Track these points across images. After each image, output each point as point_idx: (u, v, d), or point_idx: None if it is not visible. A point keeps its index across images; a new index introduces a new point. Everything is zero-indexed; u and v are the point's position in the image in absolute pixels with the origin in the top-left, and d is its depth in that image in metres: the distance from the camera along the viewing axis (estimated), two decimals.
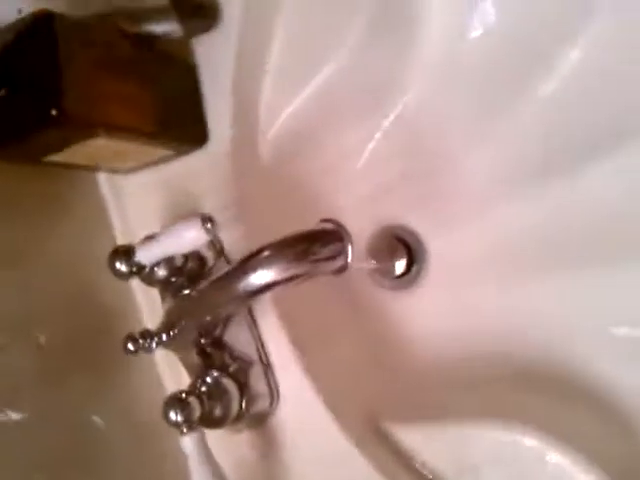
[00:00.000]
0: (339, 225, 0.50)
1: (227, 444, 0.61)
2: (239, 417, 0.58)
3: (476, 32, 0.64)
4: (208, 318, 0.54)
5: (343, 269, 0.51)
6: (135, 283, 0.65)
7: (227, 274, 0.50)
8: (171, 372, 0.65)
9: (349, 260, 0.50)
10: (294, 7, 0.63)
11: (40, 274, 0.62)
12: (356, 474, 0.56)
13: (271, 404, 0.60)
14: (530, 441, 0.54)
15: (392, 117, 0.71)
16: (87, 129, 0.52)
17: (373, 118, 0.71)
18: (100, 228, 0.68)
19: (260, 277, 0.48)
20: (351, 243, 0.50)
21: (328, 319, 0.68)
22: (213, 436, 0.59)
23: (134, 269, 0.56)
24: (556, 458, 0.54)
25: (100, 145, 0.54)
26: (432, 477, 0.57)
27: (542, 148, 0.63)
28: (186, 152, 0.63)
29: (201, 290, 0.53)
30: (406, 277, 0.72)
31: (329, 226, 0.50)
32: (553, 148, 0.62)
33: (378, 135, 0.71)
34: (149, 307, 0.66)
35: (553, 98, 0.62)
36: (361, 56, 0.66)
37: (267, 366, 0.60)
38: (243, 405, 0.58)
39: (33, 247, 0.62)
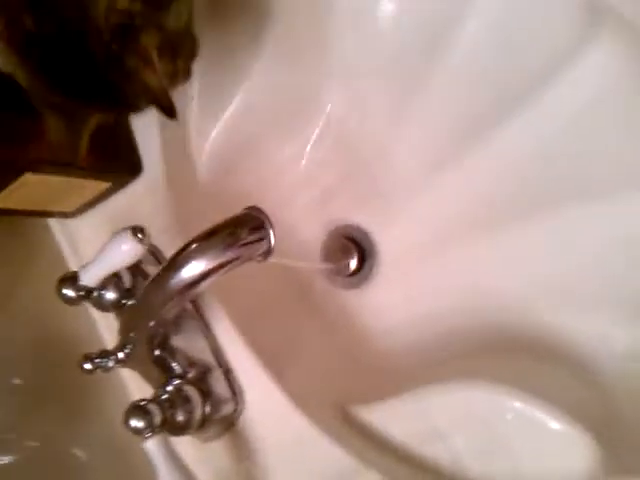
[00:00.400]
0: (260, 211, 0.53)
1: (202, 455, 0.62)
2: (205, 422, 0.59)
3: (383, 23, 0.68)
4: (152, 324, 0.56)
5: (269, 252, 0.53)
6: (98, 315, 0.67)
7: (160, 274, 0.52)
8: (142, 394, 0.66)
9: (272, 242, 0.52)
10: (209, 32, 0.67)
11: (7, 323, 0.65)
12: (328, 459, 0.57)
13: (236, 406, 0.60)
14: (494, 397, 0.55)
15: (320, 125, 0.74)
16: (10, 168, 0.55)
17: (303, 129, 0.74)
18: (60, 273, 0.70)
19: (191, 269, 0.50)
20: (272, 225, 0.52)
21: (288, 321, 0.69)
22: (189, 451, 0.60)
23: (82, 293, 0.58)
24: (521, 409, 0.54)
25: (33, 182, 0.58)
26: (402, 450, 0.57)
27: (455, 121, 0.65)
28: (124, 184, 0.66)
29: (139, 297, 0.55)
30: (361, 274, 0.73)
31: (251, 212, 0.53)
32: (465, 119, 0.65)
33: (310, 145, 0.75)
34: (113, 335, 0.67)
35: (458, 72, 0.65)
36: (275, 72, 0.69)
37: (227, 369, 0.61)
38: (206, 410, 0.59)
39: None
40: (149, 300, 0.54)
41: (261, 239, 0.52)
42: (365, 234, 0.73)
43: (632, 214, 0.57)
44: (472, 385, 0.56)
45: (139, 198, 0.66)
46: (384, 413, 0.59)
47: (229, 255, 0.51)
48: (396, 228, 0.71)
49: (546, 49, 0.57)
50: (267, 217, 0.52)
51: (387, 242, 0.72)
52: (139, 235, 0.55)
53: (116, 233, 0.56)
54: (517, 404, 0.54)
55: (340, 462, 0.56)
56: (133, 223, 0.65)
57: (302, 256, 0.75)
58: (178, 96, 0.67)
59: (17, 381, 0.65)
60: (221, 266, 0.50)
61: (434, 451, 0.56)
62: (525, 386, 0.55)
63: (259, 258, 0.53)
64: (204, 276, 0.50)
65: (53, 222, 0.71)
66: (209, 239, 0.51)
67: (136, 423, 0.52)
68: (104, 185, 0.65)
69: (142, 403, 0.54)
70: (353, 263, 0.73)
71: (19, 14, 0.45)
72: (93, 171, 0.63)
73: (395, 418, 0.58)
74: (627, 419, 0.53)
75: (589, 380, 0.57)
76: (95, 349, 0.67)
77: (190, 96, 0.69)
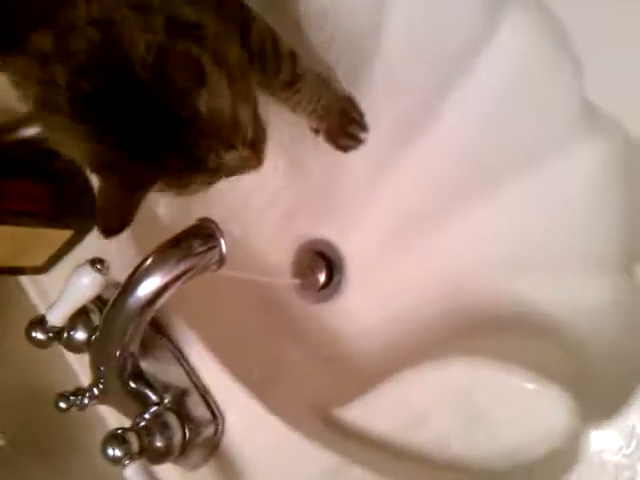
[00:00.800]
0: (210, 221, 0.54)
1: None
2: (186, 448, 0.58)
3: None
4: (118, 353, 0.56)
5: (222, 260, 0.54)
6: (74, 358, 0.68)
7: (117, 297, 0.53)
8: None
9: (223, 249, 0.53)
10: None
11: None
12: (311, 461, 0.56)
13: (217, 427, 0.60)
14: (468, 371, 0.55)
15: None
16: None
17: None
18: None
19: (147, 287, 0.51)
20: (222, 234, 0.53)
21: (262, 339, 0.70)
22: None
23: (51, 335, 0.59)
24: (495, 377, 0.54)
25: None
26: (386, 443, 0.57)
27: (390, 120, 0.67)
28: (87, 230, 0.68)
29: (101, 326, 0.56)
30: (331, 286, 0.74)
31: (201, 223, 0.54)
32: (404, 110, 0.67)
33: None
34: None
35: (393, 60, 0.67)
36: None
37: (203, 391, 0.61)
38: (186, 434, 0.58)
39: None
40: (110, 327, 0.54)
41: (213, 247, 0.53)
42: (330, 246, 0.74)
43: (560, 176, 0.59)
44: (445, 363, 0.56)
45: (103, 242, 0.68)
46: (363, 409, 0.59)
47: (182, 267, 0.52)
48: (357, 233, 0.72)
49: (461, 35, 0.60)
50: (217, 226, 0.53)
51: (351, 249, 0.73)
52: (97, 266, 0.57)
53: (76, 267, 0.58)
54: (491, 372, 0.54)
55: (323, 462, 0.55)
56: None
57: (273, 275, 0.76)
58: None
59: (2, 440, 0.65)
60: (176, 278, 0.52)
61: (418, 437, 0.56)
62: (499, 356, 0.55)
63: (214, 267, 0.54)
64: (161, 291, 0.51)
65: (26, 280, 0.72)
66: (162, 255, 0.52)
67: (113, 452, 0.52)
68: (67, 233, 0.67)
69: (119, 432, 0.54)
70: (322, 277, 0.74)
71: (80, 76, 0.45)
72: (54, 220, 0.65)
73: (375, 412, 0.58)
74: (600, 371, 0.53)
75: (563, 343, 0.57)
76: None
77: None
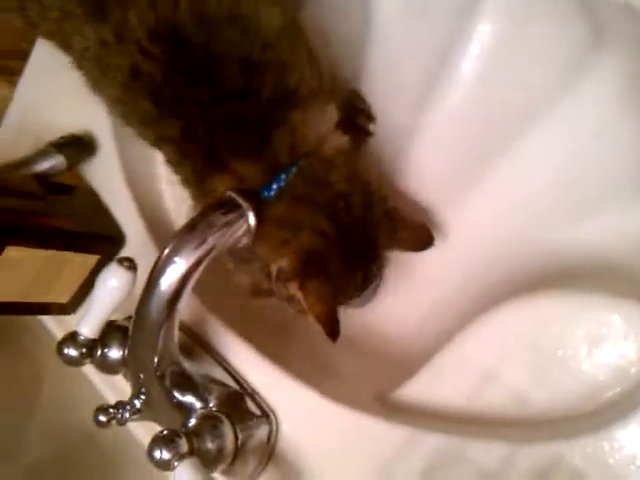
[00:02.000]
0: (234, 190, 0.52)
1: None
2: (239, 451, 0.53)
3: None
4: (156, 358, 0.52)
5: (251, 230, 0.51)
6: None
7: (142, 297, 0.50)
8: None
9: (251, 218, 0.51)
10: None
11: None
12: (382, 439, 0.51)
13: (270, 427, 0.55)
14: (533, 311, 0.52)
15: None
16: None
17: None
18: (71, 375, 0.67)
19: (170, 276, 0.48)
20: (250, 204, 0.51)
21: (302, 343, 0.65)
22: None
23: (84, 351, 0.56)
24: (565, 313, 0.50)
25: (17, 259, 0.58)
26: (458, 411, 0.51)
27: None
28: (112, 255, 0.66)
29: (132, 334, 0.52)
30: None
31: (225, 195, 0.52)
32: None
33: None
34: None
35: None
36: None
37: (251, 391, 0.56)
38: (238, 435, 0.53)
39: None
40: (143, 329, 0.51)
41: (236, 220, 0.51)
42: None
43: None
44: (503, 312, 0.52)
45: None
46: (426, 382, 0.54)
47: (206, 246, 0.49)
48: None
49: None
50: (241, 195, 0.51)
51: None
52: (126, 264, 0.54)
53: (103, 271, 0.55)
54: (556, 310, 0.50)
55: (394, 440, 0.50)
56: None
57: None
58: (145, 165, 0.71)
59: None
60: (201, 260, 0.49)
61: (490, 397, 0.51)
62: (564, 296, 0.51)
63: (244, 240, 0.52)
64: (186, 277, 0.49)
65: (52, 324, 0.69)
66: (181, 239, 0.49)
67: (160, 454, 0.47)
68: (93, 259, 0.64)
69: (165, 432, 0.49)
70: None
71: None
72: (80, 242, 0.63)
73: (439, 381, 0.54)
74: None
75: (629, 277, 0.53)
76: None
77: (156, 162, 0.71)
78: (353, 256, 0.55)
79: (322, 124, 0.57)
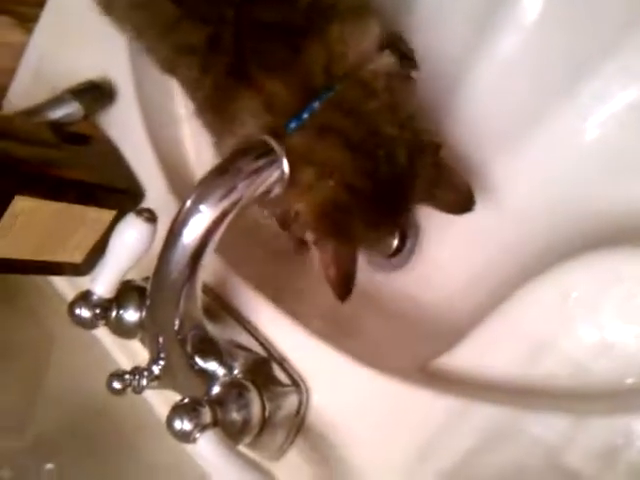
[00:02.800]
0: (267, 136, 0.46)
1: (283, 474, 0.50)
2: (267, 422, 0.48)
3: None
4: (177, 321, 0.47)
5: (284, 177, 0.46)
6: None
7: (163, 250, 0.45)
8: None
9: (286, 168, 0.46)
10: None
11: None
12: (429, 410, 0.46)
13: (300, 397, 0.50)
14: (592, 271, 0.46)
15: None
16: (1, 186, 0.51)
17: None
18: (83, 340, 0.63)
19: (194, 228, 0.43)
20: (281, 148, 0.46)
21: (334, 309, 0.60)
22: None
23: (98, 311, 0.51)
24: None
25: (27, 212, 0.53)
26: (509, 382, 0.46)
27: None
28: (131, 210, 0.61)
29: (151, 293, 0.47)
30: (405, 249, 0.65)
31: (254, 140, 0.46)
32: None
33: None
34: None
35: None
36: None
37: (280, 358, 0.52)
38: (266, 405, 0.48)
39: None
40: (164, 286, 0.46)
41: (267, 167, 0.45)
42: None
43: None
44: (563, 271, 0.46)
45: None
46: (472, 350, 0.49)
47: (233, 196, 0.44)
48: None
49: None
50: (275, 141, 0.46)
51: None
52: (145, 215, 0.49)
53: (119, 223, 0.50)
54: (623, 268, 0.44)
55: (441, 409, 0.45)
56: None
57: None
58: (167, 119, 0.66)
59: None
60: (226, 212, 0.43)
61: (546, 366, 0.45)
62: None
63: (277, 189, 0.46)
64: (211, 231, 0.43)
65: (64, 286, 0.65)
66: (206, 185, 0.44)
67: (182, 424, 0.43)
68: (109, 215, 0.60)
69: (186, 401, 0.44)
70: (395, 242, 0.65)
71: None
72: (93, 193, 0.58)
73: (488, 349, 0.48)
74: None
75: None
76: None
77: (178, 119, 0.66)
78: (382, 211, 0.49)
79: (363, 40, 0.49)
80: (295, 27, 0.47)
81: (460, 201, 0.52)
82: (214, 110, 0.51)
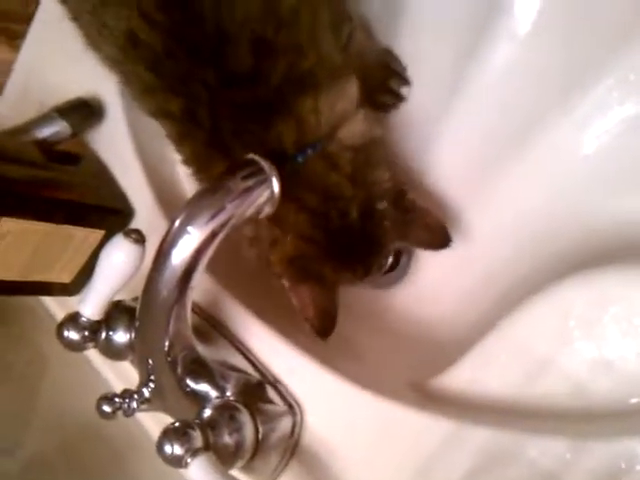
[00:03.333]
0: (256, 156, 0.45)
1: None
2: (260, 445, 0.47)
3: None
4: (167, 342, 0.46)
5: (274, 197, 0.45)
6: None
7: (151, 271, 0.44)
8: None
9: (275, 188, 0.45)
10: None
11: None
12: (423, 433, 0.45)
13: (294, 418, 0.49)
14: (588, 290, 0.45)
15: None
16: None
17: None
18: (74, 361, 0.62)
19: (183, 249, 0.43)
20: (271, 167, 0.45)
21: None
22: None
23: (86, 333, 0.50)
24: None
25: (14, 233, 0.52)
26: (504, 399, 0.45)
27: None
28: (120, 230, 0.60)
29: (140, 314, 0.47)
30: (400, 266, 0.64)
31: (243, 160, 0.46)
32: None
33: None
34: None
35: None
36: None
37: (273, 380, 0.51)
38: (259, 428, 0.48)
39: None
40: (152, 310, 0.45)
41: (257, 185, 0.44)
42: None
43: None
44: (561, 290, 0.45)
45: None
46: (469, 370, 0.48)
47: (223, 216, 0.43)
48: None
49: None
50: (265, 160, 0.45)
51: None
52: (133, 236, 0.48)
53: (107, 244, 0.49)
54: (621, 288, 0.44)
55: (437, 431, 0.44)
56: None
57: None
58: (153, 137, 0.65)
59: None
60: (215, 233, 0.43)
61: (545, 386, 0.45)
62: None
63: (267, 209, 0.46)
64: (200, 251, 0.43)
65: (54, 306, 0.64)
66: (194, 205, 0.43)
67: (172, 449, 0.42)
68: (98, 234, 0.59)
69: (177, 425, 0.43)
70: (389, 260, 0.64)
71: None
72: (84, 214, 0.57)
73: (485, 369, 0.47)
74: None
75: None
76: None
77: None
78: (345, 255, 0.52)
79: (338, 106, 0.51)
80: (265, 105, 0.49)
81: (435, 239, 0.54)
82: (195, 168, 0.53)
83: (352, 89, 0.53)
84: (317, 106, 0.50)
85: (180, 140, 0.53)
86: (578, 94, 0.54)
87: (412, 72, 0.62)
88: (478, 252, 0.59)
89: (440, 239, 0.54)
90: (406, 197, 0.53)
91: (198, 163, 0.53)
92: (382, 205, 0.52)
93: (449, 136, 0.61)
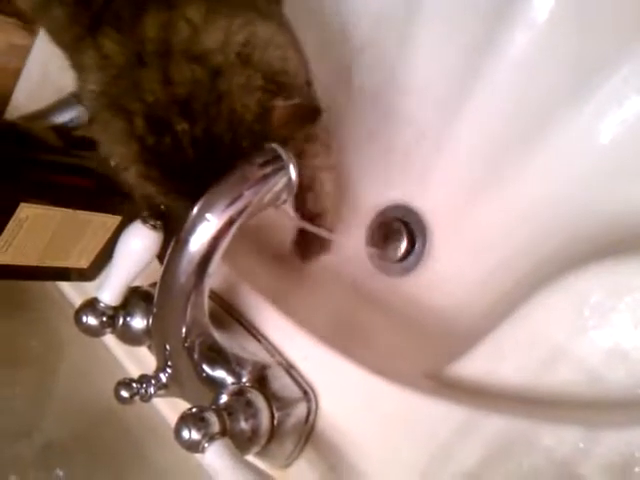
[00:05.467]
0: (275, 144, 0.45)
1: None
2: (276, 430, 0.48)
3: None
4: (184, 329, 0.47)
5: (291, 185, 0.45)
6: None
7: (169, 258, 0.45)
8: None
9: (292, 172, 0.45)
10: None
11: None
12: (437, 420, 0.45)
13: (309, 404, 0.50)
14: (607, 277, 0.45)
15: None
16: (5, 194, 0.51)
17: None
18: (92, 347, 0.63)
19: (201, 236, 0.43)
20: (289, 156, 0.45)
21: (346, 317, 0.60)
22: None
23: (104, 319, 0.51)
24: None
25: (32, 219, 0.53)
26: (522, 390, 0.45)
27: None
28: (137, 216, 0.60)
29: (157, 301, 0.47)
30: (414, 253, 0.64)
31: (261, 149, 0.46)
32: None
33: None
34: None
35: None
36: None
37: (288, 367, 0.51)
38: (275, 413, 0.48)
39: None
40: (169, 295, 0.46)
41: (274, 172, 0.45)
42: (407, 210, 0.65)
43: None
44: (578, 277, 0.45)
45: None
46: (484, 358, 0.48)
47: (240, 204, 0.43)
48: (434, 189, 0.63)
49: None
50: (283, 149, 0.45)
51: (431, 207, 0.64)
52: (150, 222, 0.49)
53: (124, 230, 0.50)
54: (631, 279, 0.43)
55: (452, 418, 0.44)
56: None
57: (351, 261, 0.67)
58: None
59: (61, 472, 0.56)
60: (232, 220, 0.43)
61: (559, 375, 0.45)
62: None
63: (284, 196, 0.46)
64: (218, 238, 0.43)
65: (72, 292, 0.65)
66: (214, 194, 0.43)
67: (189, 434, 0.42)
68: (115, 220, 0.59)
69: (194, 410, 0.44)
70: (403, 245, 0.64)
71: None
72: (102, 200, 0.58)
73: (499, 358, 0.47)
74: None
75: None
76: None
77: None
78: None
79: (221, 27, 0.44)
80: None
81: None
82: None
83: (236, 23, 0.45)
84: (199, 18, 0.44)
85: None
86: (594, 83, 0.53)
87: (428, 62, 0.62)
88: (493, 239, 0.59)
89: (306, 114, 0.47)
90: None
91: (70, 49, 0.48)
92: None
93: (465, 124, 0.60)
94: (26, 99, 0.72)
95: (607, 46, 0.53)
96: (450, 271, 0.62)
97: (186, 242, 0.43)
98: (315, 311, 0.57)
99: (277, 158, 0.45)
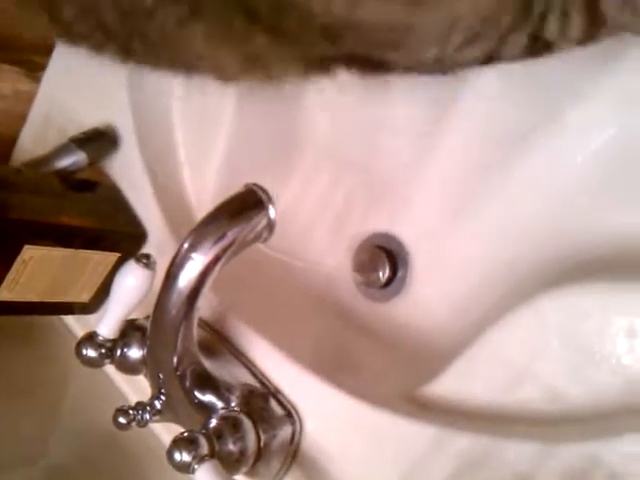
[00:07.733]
0: (255, 185, 0.50)
1: None
2: (262, 452, 0.51)
3: None
4: (175, 358, 0.51)
5: (271, 225, 0.49)
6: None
7: (160, 294, 0.48)
8: None
9: (271, 213, 0.49)
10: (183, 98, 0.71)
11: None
12: (410, 439, 0.49)
13: (294, 427, 0.53)
14: (567, 301, 0.48)
15: (310, 154, 0.73)
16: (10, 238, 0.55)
17: (293, 165, 0.74)
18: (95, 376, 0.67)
19: (188, 272, 0.47)
20: (269, 197, 0.49)
21: (329, 340, 0.63)
22: None
23: (103, 351, 0.55)
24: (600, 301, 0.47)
25: (36, 260, 0.57)
26: (490, 409, 0.49)
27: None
28: (134, 252, 0.65)
29: (150, 333, 0.51)
30: (397, 279, 0.68)
31: (243, 190, 0.50)
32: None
33: (306, 173, 0.74)
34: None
35: None
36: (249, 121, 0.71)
37: (274, 390, 0.55)
38: (261, 435, 0.52)
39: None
40: (161, 328, 0.50)
41: (256, 214, 0.49)
42: (390, 238, 0.69)
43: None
44: (540, 302, 0.49)
45: None
46: (453, 379, 0.51)
47: (225, 241, 0.47)
48: (415, 218, 0.67)
49: None
50: (263, 190, 0.49)
51: (412, 236, 0.67)
52: (143, 261, 0.53)
53: (120, 269, 0.54)
54: (595, 300, 0.47)
55: (423, 437, 0.48)
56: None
57: (337, 288, 0.70)
58: (167, 163, 0.70)
59: None
60: (218, 257, 0.47)
61: (525, 394, 0.48)
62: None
63: (265, 235, 0.50)
64: (205, 273, 0.47)
65: (75, 324, 0.69)
66: (200, 233, 0.48)
67: (181, 456, 0.46)
68: (114, 257, 0.63)
69: (186, 434, 0.47)
70: (385, 271, 0.68)
71: None
72: (101, 240, 0.62)
73: (467, 379, 0.51)
74: None
75: None
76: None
77: (179, 162, 0.70)
78: None
79: None
80: None
81: None
82: None
83: None
84: None
85: None
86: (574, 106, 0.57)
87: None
88: (474, 263, 0.63)
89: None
90: None
91: None
92: None
93: (443, 152, 0.64)
94: (31, 143, 0.77)
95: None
96: (432, 295, 0.65)
97: (175, 278, 0.47)
98: (301, 336, 0.61)
99: (258, 201, 0.49)
